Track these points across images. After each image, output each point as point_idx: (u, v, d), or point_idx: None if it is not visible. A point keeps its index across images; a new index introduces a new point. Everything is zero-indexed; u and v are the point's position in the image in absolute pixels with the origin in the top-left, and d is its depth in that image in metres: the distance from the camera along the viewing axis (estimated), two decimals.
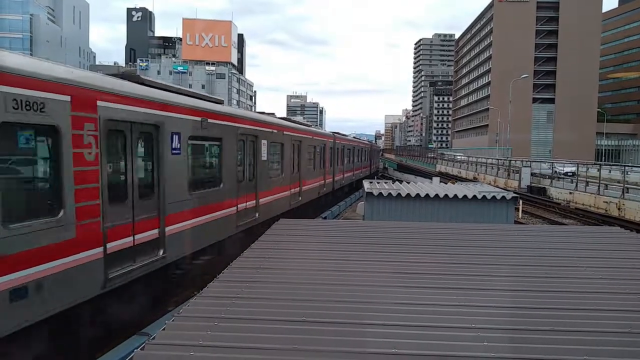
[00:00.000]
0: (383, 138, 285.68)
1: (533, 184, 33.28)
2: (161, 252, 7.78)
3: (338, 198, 25.53)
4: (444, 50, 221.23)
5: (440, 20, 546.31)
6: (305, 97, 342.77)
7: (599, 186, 25.50)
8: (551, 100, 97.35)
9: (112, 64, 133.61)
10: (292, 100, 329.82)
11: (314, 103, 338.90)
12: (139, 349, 2.90)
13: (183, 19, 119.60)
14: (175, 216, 8.25)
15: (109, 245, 6.47)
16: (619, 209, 22.11)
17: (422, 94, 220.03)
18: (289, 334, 3.10)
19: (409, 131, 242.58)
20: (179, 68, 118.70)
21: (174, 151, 8.33)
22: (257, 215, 12.42)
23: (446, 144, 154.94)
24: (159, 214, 7.82)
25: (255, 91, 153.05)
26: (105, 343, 6.48)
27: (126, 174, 7.08)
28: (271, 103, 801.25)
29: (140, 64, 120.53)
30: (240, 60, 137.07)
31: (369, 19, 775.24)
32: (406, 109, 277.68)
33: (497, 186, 28.52)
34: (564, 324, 3.33)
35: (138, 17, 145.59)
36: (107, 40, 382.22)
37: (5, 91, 4.87)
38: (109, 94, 6.61)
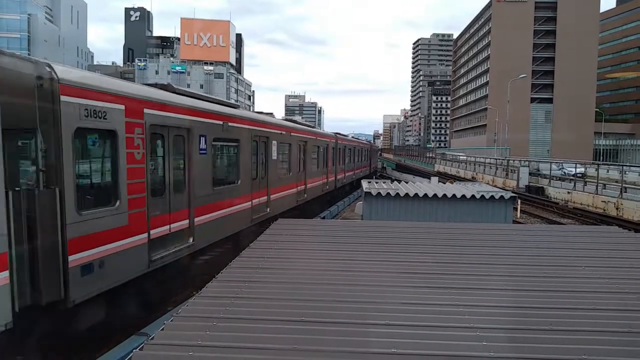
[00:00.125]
0: (381, 138, 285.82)
1: (531, 184, 33.34)
2: (191, 240, 8.89)
3: (340, 196, 26.43)
4: (442, 50, 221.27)
5: (440, 20, 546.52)
6: (304, 96, 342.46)
7: (597, 186, 25.55)
8: (549, 100, 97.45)
9: (110, 63, 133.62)
10: (290, 100, 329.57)
11: (312, 103, 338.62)
12: (137, 349, 2.89)
13: (181, 18, 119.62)
14: (201, 209, 9.34)
15: (152, 232, 7.59)
16: (617, 208, 22.15)
17: (420, 94, 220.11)
18: (288, 334, 3.09)
19: (407, 131, 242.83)
20: (177, 68, 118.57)
21: (201, 151, 9.43)
22: (268, 210, 13.45)
23: (444, 144, 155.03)
24: (189, 206, 8.93)
25: (253, 91, 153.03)
26: (147, 317, 7.49)
27: (164, 171, 8.26)
28: (270, 103, 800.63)
29: (139, 63, 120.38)
30: (239, 60, 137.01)
31: (368, 19, 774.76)
32: (404, 109, 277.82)
33: (495, 186, 28.57)
34: (562, 323, 3.33)
35: (136, 17, 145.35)
36: (105, 40, 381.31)
37: (80, 102, 6.01)
38: (152, 102, 7.76)
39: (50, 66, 5.73)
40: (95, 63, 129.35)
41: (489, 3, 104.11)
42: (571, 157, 46.05)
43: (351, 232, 6.79)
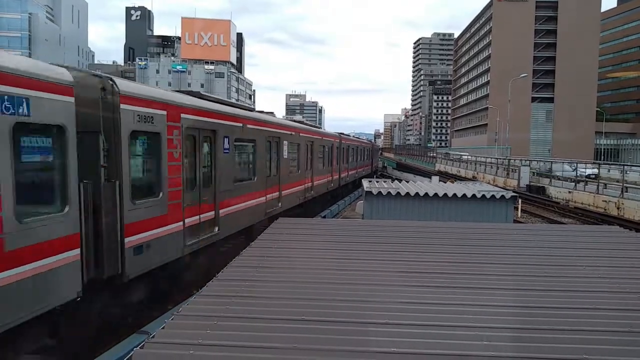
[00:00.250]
0: (382, 137, 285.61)
1: (532, 183, 33.32)
2: (216, 229, 10.01)
3: (343, 193, 27.38)
4: (443, 49, 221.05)
5: (440, 20, 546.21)
6: (304, 96, 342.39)
7: (597, 185, 25.52)
8: (550, 100, 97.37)
9: (110, 63, 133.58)
10: (291, 99, 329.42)
11: (313, 102, 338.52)
12: (138, 348, 2.89)
13: (182, 18, 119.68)
14: (225, 202, 10.43)
15: (186, 221, 8.65)
16: (618, 208, 22.13)
17: (421, 93, 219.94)
18: (288, 333, 3.09)
19: (408, 130, 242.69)
20: (178, 67, 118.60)
21: (225, 150, 10.50)
22: (279, 205, 14.53)
23: (445, 143, 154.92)
24: (215, 199, 10.01)
25: (254, 90, 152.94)
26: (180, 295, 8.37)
27: (195, 168, 9.31)
28: (270, 102, 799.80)
29: (139, 62, 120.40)
30: (240, 59, 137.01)
31: (368, 19, 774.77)
32: (405, 108, 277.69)
33: (496, 185, 28.54)
34: (563, 322, 3.33)
35: (137, 16, 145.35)
36: (106, 39, 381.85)
37: (134, 110, 7.12)
38: (187, 108, 8.86)
39: (112, 80, 6.84)
40: (96, 62, 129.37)
41: (489, 2, 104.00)
42: (572, 157, 45.95)
43: (352, 231, 6.79)
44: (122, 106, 6.84)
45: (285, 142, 15.17)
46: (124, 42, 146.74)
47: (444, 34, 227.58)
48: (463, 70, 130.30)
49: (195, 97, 9.92)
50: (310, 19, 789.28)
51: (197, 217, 9.22)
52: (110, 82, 6.77)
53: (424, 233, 6.58)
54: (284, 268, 4.81)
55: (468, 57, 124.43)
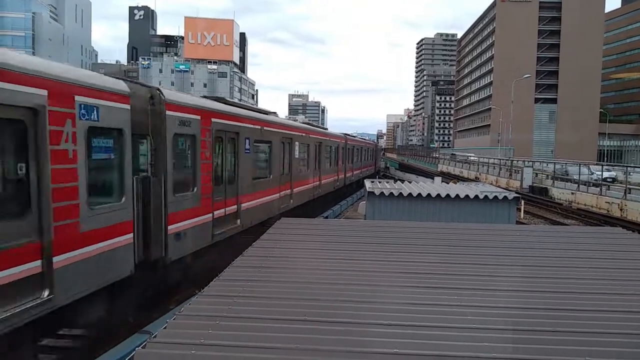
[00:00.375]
0: (385, 137, 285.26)
1: (535, 184, 33.25)
2: (238, 222, 11.08)
3: (348, 192, 28.14)
4: (446, 49, 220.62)
5: (441, 20, 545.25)
6: (307, 96, 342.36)
7: (600, 187, 25.44)
8: (553, 101, 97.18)
9: (114, 62, 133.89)
10: (293, 99, 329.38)
11: (315, 102, 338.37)
12: (140, 347, 2.90)
13: (185, 17, 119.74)
14: (245, 197, 11.50)
15: (215, 213, 9.74)
16: (621, 209, 22.06)
17: (424, 94, 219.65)
18: (290, 333, 3.09)
19: (411, 131, 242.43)
20: (181, 67, 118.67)
21: (246, 151, 11.60)
22: (291, 201, 15.59)
23: (448, 144, 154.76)
24: (237, 195, 11.06)
25: (257, 90, 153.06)
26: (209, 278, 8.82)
27: (222, 166, 10.40)
28: (273, 102, 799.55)
29: (142, 62, 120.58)
30: (243, 59, 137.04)
31: (369, 19, 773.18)
32: (408, 109, 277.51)
33: (499, 186, 28.48)
34: (565, 324, 3.32)
35: (140, 16, 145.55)
36: (109, 38, 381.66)
37: (177, 115, 8.26)
38: (216, 112, 10.00)
39: (159, 90, 7.93)
40: (99, 61, 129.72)
41: (493, 3, 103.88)
42: (575, 158, 45.82)
43: (354, 231, 6.78)
44: (168, 112, 7.90)
45: (297, 143, 16.14)
46: (127, 41, 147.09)
47: (447, 35, 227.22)
48: (466, 70, 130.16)
49: (220, 102, 11.13)
50: (312, 19, 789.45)
51: (223, 210, 10.27)
52: (158, 92, 7.87)
53: (426, 234, 6.57)
54: (286, 268, 4.81)
55: (471, 57, 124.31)
